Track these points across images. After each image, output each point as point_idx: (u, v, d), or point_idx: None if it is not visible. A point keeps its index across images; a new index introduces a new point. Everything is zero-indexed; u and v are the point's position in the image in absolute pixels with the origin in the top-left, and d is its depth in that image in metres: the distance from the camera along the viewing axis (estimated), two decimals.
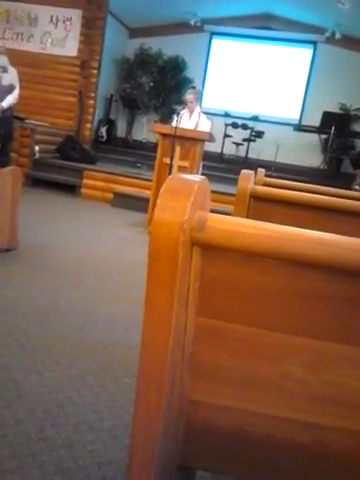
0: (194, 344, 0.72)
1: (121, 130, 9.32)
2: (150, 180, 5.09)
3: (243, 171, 1.70)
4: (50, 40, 7.63)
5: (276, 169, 7.06)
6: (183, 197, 0.65)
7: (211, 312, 0.71)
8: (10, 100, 5.71)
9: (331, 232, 0.68)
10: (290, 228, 0.68)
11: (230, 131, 8.23)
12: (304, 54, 8.76)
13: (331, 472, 0.75)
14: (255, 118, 8.44)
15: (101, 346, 2.11)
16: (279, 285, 0.68)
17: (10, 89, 5.70)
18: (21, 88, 5.97)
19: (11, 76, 5.72)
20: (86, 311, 2.49)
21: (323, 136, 8.19)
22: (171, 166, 4.45)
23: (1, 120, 5.66)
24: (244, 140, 8.26)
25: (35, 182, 6.44)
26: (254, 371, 0.71)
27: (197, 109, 5.02)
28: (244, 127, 8.24)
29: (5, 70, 5.63)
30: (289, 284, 0.68)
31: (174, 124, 4.58)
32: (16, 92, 5.77)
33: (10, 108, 5.79)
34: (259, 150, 8.17)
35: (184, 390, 0.74)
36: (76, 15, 7.50)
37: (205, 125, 4.91)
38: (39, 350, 1.99)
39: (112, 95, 8.89)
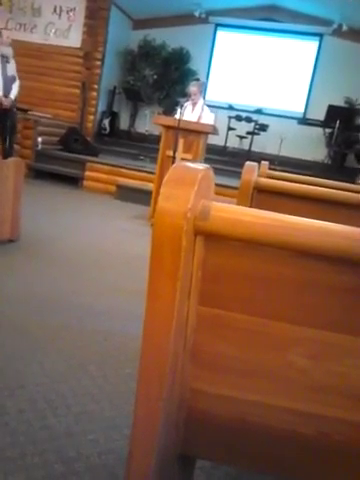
0: (196, 333, 0.72)
1: (124, 122, 9.27)
2: (153, 173, 5.07)
3: (247, 163, 1.69)
4: (53, 31, 7.57)
5: (280, 163, 7.03)
6: (187, 186, 0.65)
7: (214, 301, 0.70)
8: (15, 92, 5.72)
9: None
10: (294, 218, 0.67)
11: (234, 124, 8.17)
12: (310, 47, 8.67)
13: (333, 463, 0.75)
14: (259, 111, 8.38)
15: (102, 337, 2.12)
16: (283, 275, 0.68)
17: (13, 80, 5.70)
18: (23, 79, 5.96)
19: (12, 67, 5.72)
20: (87, 302, 2.49)
21: (328, 130, 8.12)
22: (174, 158, 4.43)
23: (7, 112, 5.66)
24: (248, 133, 8.21)
25: (37, 174, 6.42)
26: (256, 361, 0.71)
27: (200, 101, 4.98)
28: (248, 120, 8.18)
29: (8, 61, 5.63)
30: (293, 274, 0.67)
31: (177, 116, 4.55)
32: (18, 83, 5.78)
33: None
34: (263, 143, 8.12)
35: (185, 379, 0.74)
36: (80, 6, 7.44)
37: (208, 117, 4.88)
38: (40, 340, 2.00)
39: (115, 87, 8.84)
